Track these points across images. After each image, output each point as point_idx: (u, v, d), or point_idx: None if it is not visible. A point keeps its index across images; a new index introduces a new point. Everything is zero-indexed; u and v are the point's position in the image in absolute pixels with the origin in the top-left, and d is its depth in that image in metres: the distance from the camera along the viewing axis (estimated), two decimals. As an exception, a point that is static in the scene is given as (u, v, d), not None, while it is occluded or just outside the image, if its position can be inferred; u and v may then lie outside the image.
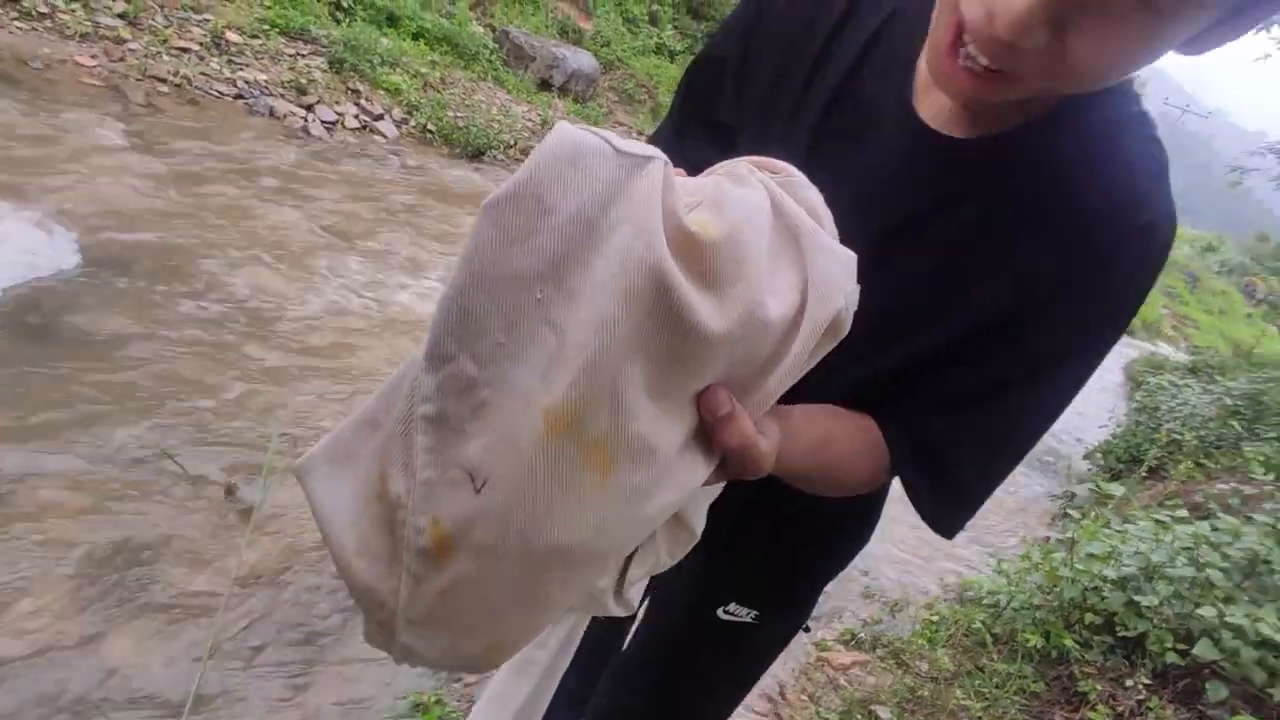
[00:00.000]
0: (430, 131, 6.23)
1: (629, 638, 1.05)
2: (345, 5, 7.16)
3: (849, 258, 0.49)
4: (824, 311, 0.46)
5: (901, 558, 3.46)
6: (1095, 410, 6.77)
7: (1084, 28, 0.43)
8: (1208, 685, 1.87)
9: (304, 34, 6.28)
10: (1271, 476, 3.98)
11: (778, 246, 0.47)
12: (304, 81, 5.71)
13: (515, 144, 6.97)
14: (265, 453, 2.43)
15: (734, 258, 0.43)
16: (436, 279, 4.13)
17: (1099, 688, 2.06)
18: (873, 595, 3.12)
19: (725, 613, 0.90)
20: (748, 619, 0.91)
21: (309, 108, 5.53)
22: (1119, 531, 2.53)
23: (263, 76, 5.52)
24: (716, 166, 0.53)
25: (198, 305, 3.09)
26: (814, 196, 0.51)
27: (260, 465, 2.31)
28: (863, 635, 2.82)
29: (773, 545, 0.77)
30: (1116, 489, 3.37)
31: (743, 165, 0.51)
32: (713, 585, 0.91)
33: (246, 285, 3.36)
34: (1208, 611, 1.89)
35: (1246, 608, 1.89)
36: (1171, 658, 1.97)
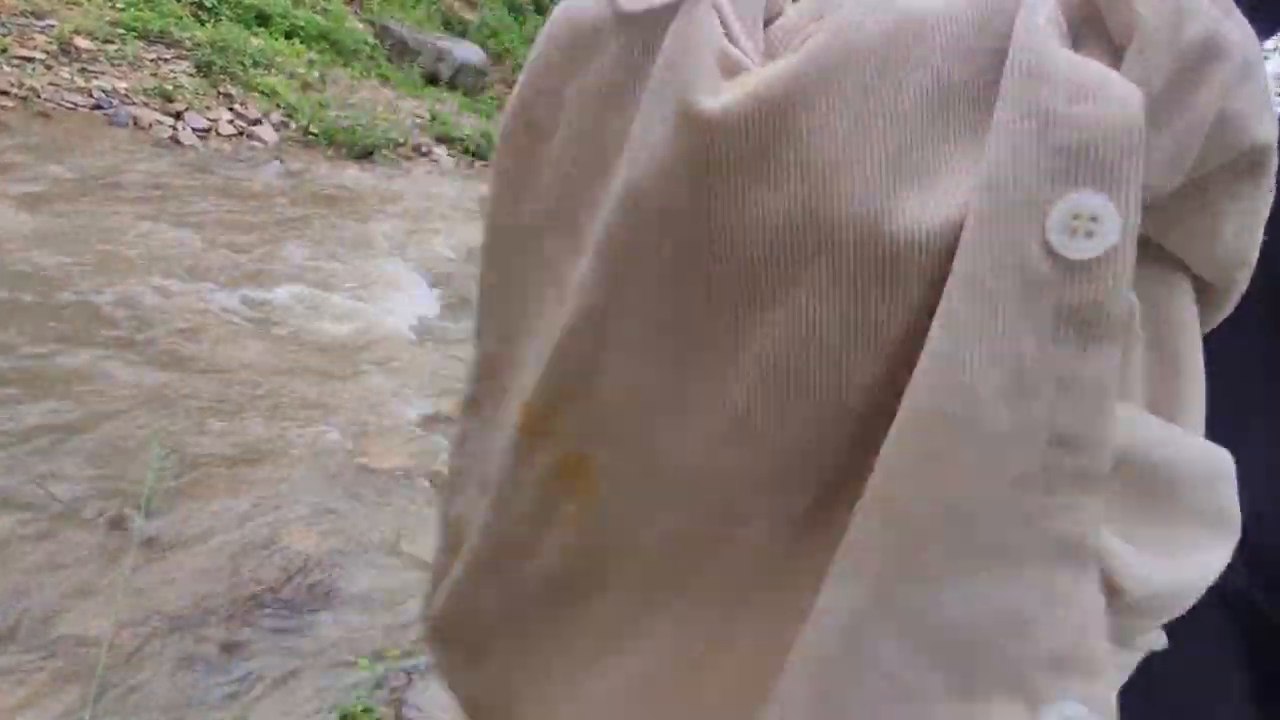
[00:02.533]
0: (313, 134, 6.00)
1: None
2: (209, 5, 6.78)
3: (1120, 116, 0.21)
4: (1002, 230, 0.21)
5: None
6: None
7: None
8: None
9: (164, 37, 5.92)
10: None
11: (969, 97, 0.23)
12: (169, 88, 5.39)
13: (405, 141, 6.79)
14: (161, 478, 2.32)
15: (803, 128, 0.23)
16: (329, 289, 4.01)
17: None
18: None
19: None
20: None
21: (177, 115, 5.22)
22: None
23: (121, 84, 5.17)
24: None
25: (67, 329, 2.90)
26: None
27: (152, 491, 2.21)
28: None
29: None
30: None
31: None
32: None
33: (120, 306, 3.17)
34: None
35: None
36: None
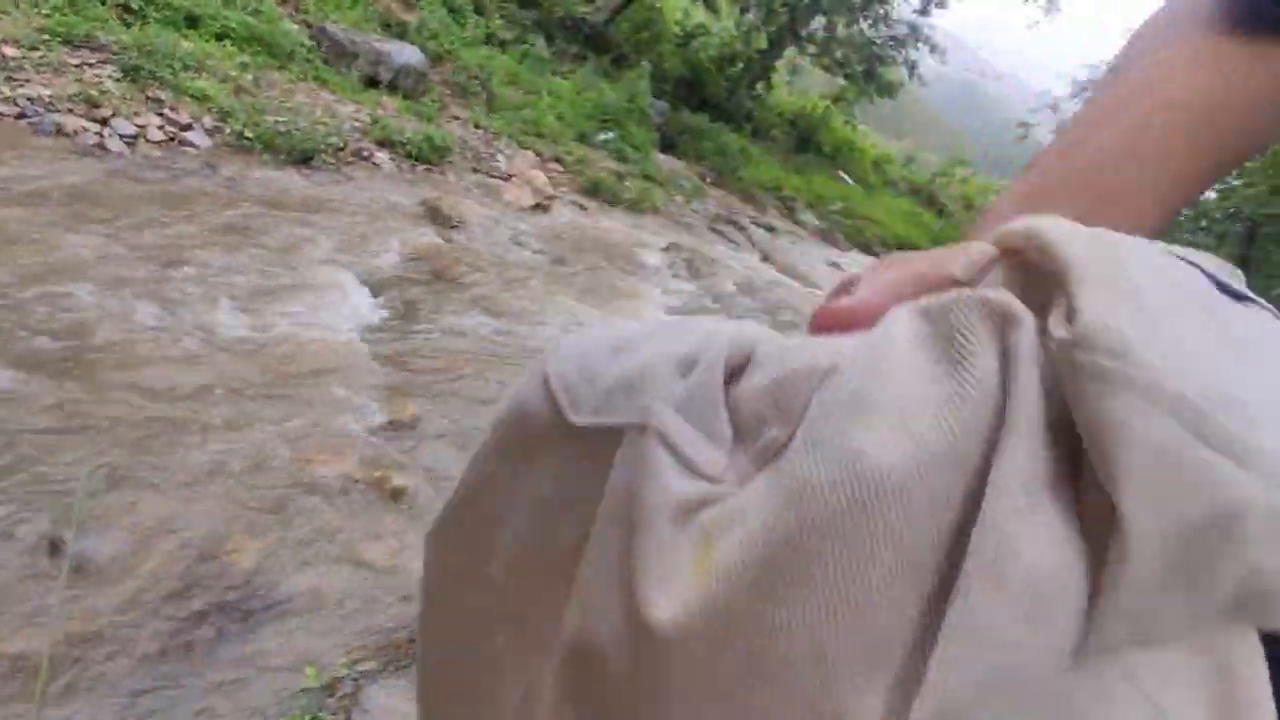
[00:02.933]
0: (248, 139, 5.88)
1: None
2: (135, 7, 6.58)
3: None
4: None
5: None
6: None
7: None
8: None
9: (89, 41, 5.73)
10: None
11: (934, 571, 0.22)
12: (95, 93, 5.23)
13: (345, 146, 6.70)
14: (94, 494, 2.30)
15: (764, 632, 0.22)
16: (268, 297, 3.96)
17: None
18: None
19: None
20: None
21: (103, 121, 5.07)
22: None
23: (45, 91, 5.00)
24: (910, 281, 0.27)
25: (-7, 349, 2.82)
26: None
27: (83, 507, 2.18)
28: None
29: None
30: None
31: (977, 299, 0.23)
32: None
33: (46, 319, 3.09)
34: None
35: None
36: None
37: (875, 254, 14.93)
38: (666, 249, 7.85)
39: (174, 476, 2.53)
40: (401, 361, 3.83)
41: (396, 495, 2.80)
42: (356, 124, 7.30)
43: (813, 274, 9.82)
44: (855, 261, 12.88)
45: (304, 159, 6.08)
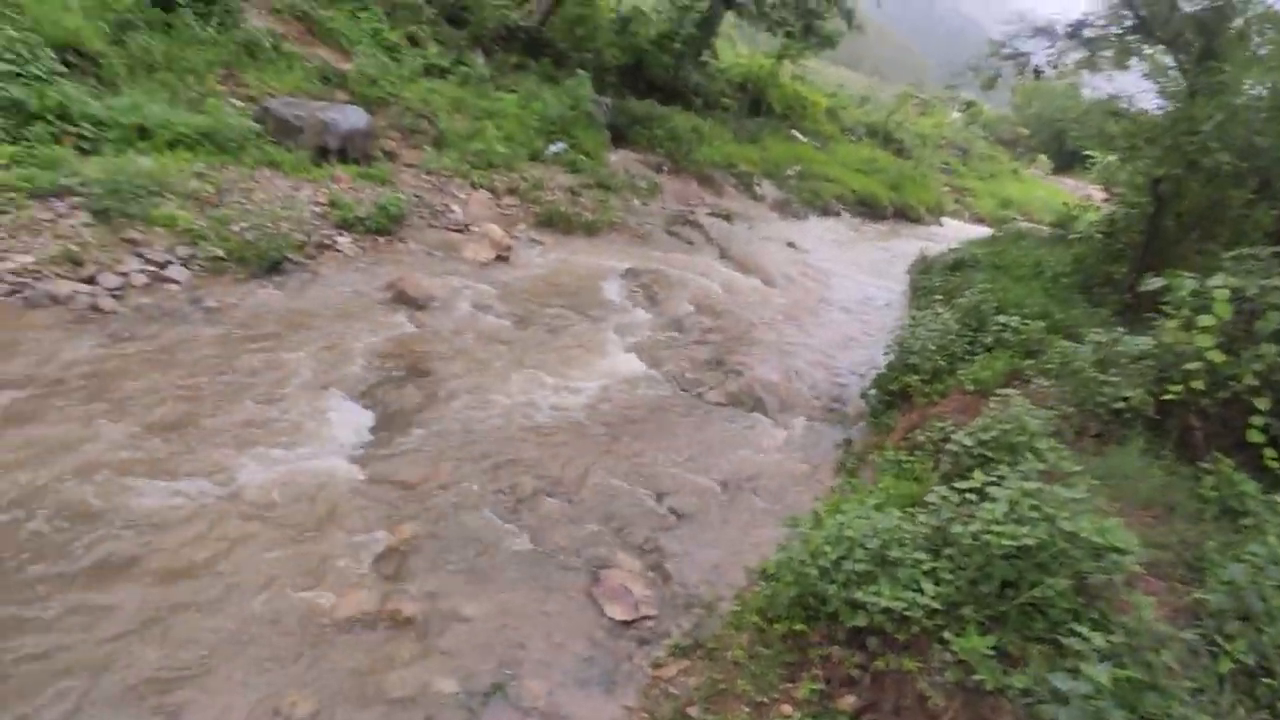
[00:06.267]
0: (221, 258, 6.37)
1: None
2: (89, 135, 6.99)
3: None
4: None
5: (711, 561, 4.34)
6: (879, 336, 7.94)
7: None
8: (868, 640, 2.81)
9: (56, 190, 6.18)
10: (975, 388, 5.25)
11: None
12: (74, 248, 5.70)
13: (309, 239, 7.16)
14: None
15: None
16: (269, 443, 4.50)
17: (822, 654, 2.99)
18: (692, 605, 3.98)
19: None
20: None
21: (90, 280, 5.56)
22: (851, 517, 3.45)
23: (28, 259, 5.48)
24: None
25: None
26: None
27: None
28: (685, 643, 3.67)
29: None
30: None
31: None
32: None
33: (53, 517, 3.65)
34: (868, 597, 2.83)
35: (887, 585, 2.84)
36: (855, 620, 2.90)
37: (837, 215, 15.31)
38: (625, 275, 8.35)
39: (206, 644, 3.13)
40: (392, 479, 4.40)
41: (407, 624, 3.41)
42: (316, 208, 7.73)
43: (771, 266, 10.28)
44: (814, 231, 13.28)
45: (273, 266, 6.57)
